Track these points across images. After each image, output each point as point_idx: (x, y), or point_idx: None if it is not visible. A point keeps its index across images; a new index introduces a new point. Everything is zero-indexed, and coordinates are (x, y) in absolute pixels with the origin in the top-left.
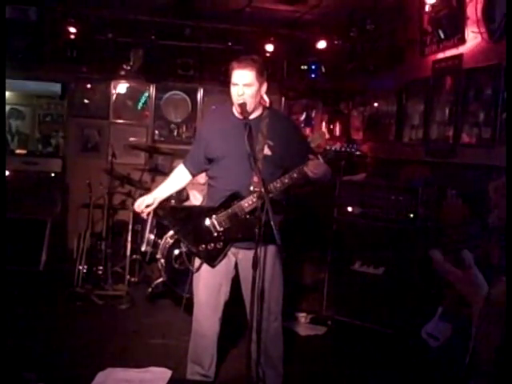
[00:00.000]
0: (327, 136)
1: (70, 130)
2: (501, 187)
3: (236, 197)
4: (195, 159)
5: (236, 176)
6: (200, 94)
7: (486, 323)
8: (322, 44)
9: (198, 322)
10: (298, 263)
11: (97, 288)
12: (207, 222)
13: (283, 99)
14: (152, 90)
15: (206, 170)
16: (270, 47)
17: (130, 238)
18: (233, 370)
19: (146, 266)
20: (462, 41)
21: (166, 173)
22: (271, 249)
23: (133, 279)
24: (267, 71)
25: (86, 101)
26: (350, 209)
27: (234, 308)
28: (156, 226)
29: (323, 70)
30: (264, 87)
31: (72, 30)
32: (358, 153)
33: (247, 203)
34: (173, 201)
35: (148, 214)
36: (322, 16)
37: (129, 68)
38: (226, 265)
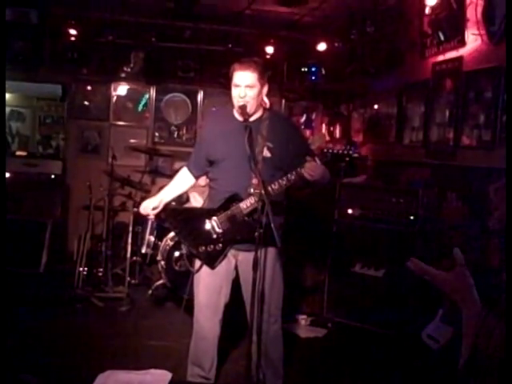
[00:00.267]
0: (327, 138)
1: (70, 132)
2: (501, 189)
3: (235, 199)
4: (197, 162)
5: (236, 178)
6: (200, 96)
7: (488, 320)
8: (322, 46)
9: (199, 324)
10: (299, 265)
11: (97, 290)
12: (207, 223)
13: (283, 101)
14: (152, 91)
15: (208, 173)
16: (270, 49)
17: (130, 240)
18: (233, 372)
19: (147, 268)
20: (462, 43)
21: (166, 175)
22: (271, 251)
23: (133, 281)
24: (268, 73)
25: (86, 103)
26: (350, 211)
27: (234, 310)
28: (156, 227)
29: (323, 72)
30: (265, 89)
31: (72, 32)
32: (356, 155)
33: (245, 205)
34: (173, 203)
35: (156, 217)
36: (322, 18)
37: (129, 70)
38: (226, 267)
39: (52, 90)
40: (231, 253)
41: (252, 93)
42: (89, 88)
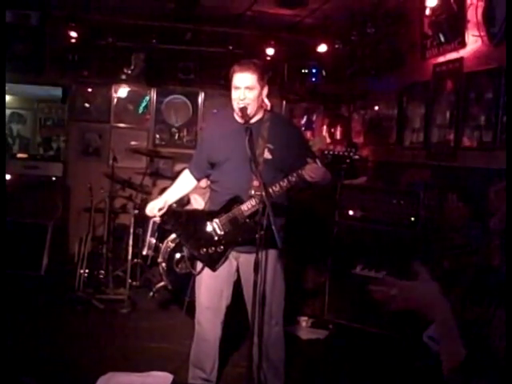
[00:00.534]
0: (328, 140)
1: (71, 134)
2: (502, 190)
3: (236, 201)
4: (198, 164)
5: (237, 180)
6: (201, 98)
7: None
8: (322, 47)
9: (200, 326)
10: (299, 267)
11: (98, 292)
12: (208, 225)
13: (284, 103)
14: (153, 93)
15: (209, 175)
16: (270, 51)
17: (131, 242)
18: (234, 374)
19: (148, 270)
20: (463, 44)
21: (167, 177)
22: (272, 253)
23: (134, 283)
24: (268, 75)
25: (87, 105)
26: (351, 212)
27: (235, 312)
28: (157, 229)
29: (324, 73)
30: (265, 91)
31: (73, 34)
32: (356, 156)
33: (246, 207)
34: (174, 204)
35: (161, 218)
36: (322, 20)
37: (130, 72)
38: (227, 269)
39: (53, 92)
40: (232, 255)
41: (252, 94)
42: (89, 90)
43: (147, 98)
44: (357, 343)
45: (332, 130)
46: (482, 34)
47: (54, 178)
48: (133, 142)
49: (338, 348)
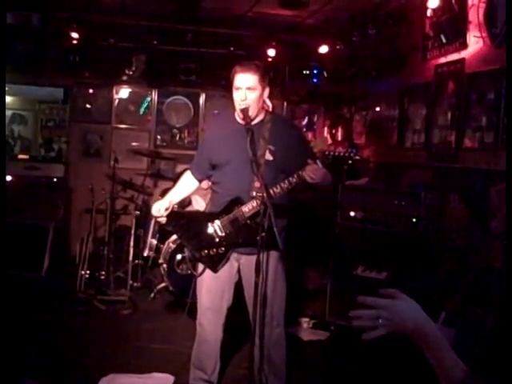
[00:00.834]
0: (329, 141)
1: (72, 135)
2: (503, 191)
3: (237, 202)
4: (200, 165)
5: (238, 181)
6: (202, 99)
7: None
8: (323, 49)
9: (202, 327)
10: (301, 268)
11: (99, 293)
12: (209, 227)
13: (285, 104)
14: (154, 94)
15: (210, 176)
16: (271, 52)
17: (132, 243)
18: (236, 375)
19: (149, 271)
20: (464, 45)
21: (168, 178)
22: (274, 254)
23: (135, 284)
24: (269, 76)
25: (88, 106)
26: (352, 213)
27: (236, 313)
28: (158, 231)
29: (325, 74)
30: (266, 92)
31: (74, 35)
32: (357, 157)
33: (248, 208)
34: (175, 206)
35: (168, 218)
36: (323, 21)
37: (131, 73)
38: (228, 270)
39: (54, 93)
40: (234, 256)
41: (253, 95)
42: (91, 91)
43: (148, 99)
44: (358, 344)
45: (333, 131)
46: (484, 34)
47: (55, 179)
48: (134, 143)
49: (339, 349)
